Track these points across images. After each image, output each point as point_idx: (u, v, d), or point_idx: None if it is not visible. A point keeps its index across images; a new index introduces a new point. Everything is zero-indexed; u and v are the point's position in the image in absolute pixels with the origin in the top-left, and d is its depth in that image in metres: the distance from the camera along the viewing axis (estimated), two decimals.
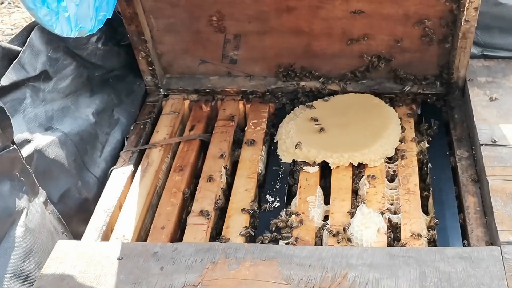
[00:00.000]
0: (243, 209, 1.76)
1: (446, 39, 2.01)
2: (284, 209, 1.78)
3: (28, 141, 1.75)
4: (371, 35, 2.05)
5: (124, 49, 2.22)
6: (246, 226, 1.72)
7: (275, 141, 2.02)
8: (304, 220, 1.72)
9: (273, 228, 1.71)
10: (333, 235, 1.66)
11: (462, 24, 1.91)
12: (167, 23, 2.09)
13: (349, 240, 1.64)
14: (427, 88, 2.12)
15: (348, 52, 2.10)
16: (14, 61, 1.76)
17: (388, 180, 1.85)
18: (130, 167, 1.93)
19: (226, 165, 1.94)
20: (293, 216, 1.74)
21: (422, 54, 2.08)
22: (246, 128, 2.07)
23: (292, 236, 1.68)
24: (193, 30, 2.11)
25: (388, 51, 2.08)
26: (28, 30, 1.86)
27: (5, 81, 1.71)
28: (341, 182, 1.83)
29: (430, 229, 1.69)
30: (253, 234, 1.71)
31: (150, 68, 2.16)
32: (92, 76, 2.10)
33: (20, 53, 1.78)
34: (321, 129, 1.97)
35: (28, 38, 1.83)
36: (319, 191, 1.83)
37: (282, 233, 1.70)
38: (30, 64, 1.82)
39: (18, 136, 1.71)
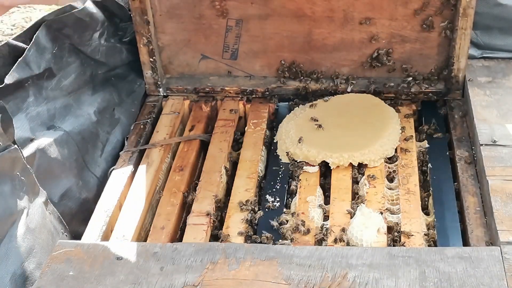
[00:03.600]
0: (241, 206, 1.77)
1: (446, 21, 2.02)
2: (285, 210, 1.79)
3: (30, 140, 1.76)
4: (372, 19, 2.05)
5: (126, 46, 2.22)
6: (245, 226, 1.72)
7: (275, 141, 2.02)
8: (306, 224, 1.71)
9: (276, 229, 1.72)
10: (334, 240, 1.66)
11: None
12: (170, 4, 2.10)
13: (348, 243, 1.65)
14: (427, 86, 2.12)
15: (349, 42, 2.10)
16: (20, 59, 1.76)
17: (388, 180, 1.85)
18: (130, 167, 1.93)
19: (226, 165, 1.95)
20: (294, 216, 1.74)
21: (422, 44, 2.08)
22: (246, 128, 2.08)
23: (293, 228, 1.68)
24: (196, 15, 2.11)
25: (388, 40, 2.09)
26: (35, 27, 1.85)
27: (9, 79, 1.71)
28: (341, 182, 1.83)
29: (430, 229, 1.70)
30: (253, 233, 1.71)
31: (151, 59, 2.16)
32: (95, 73, 2.10)
33: (26, 51, 1.78)
34: (320, 126, 1.97)
35: (34, 36, 1.82)
36: (319, 191, 1.83)
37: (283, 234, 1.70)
38: (35, 62, 1.82)
39: (20, 135, 1.72)
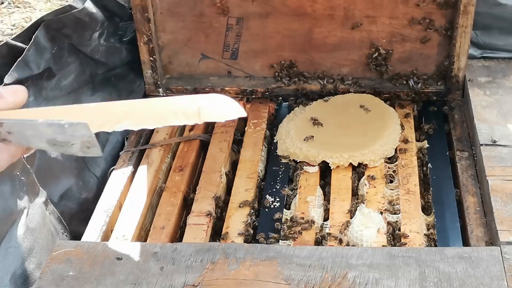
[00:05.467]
0: (241, 205, 1.77)
1: (447, 21, 2.02)
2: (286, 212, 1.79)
3: None
4: (372, 17, 2.05)
5: (125, 46, 2.22)
6: (245, 224, 1.72)
7: (275, 141, 2.02)
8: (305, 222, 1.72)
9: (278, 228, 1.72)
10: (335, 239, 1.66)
11: None
12: (171, 2, 2.10)
13: (348, 243, 1.65)
14: (428, 86, 2.12)
15: (349, 41, 2.10)
16: (19, 59, 1.75)
17: (388, 180, 1.85)
18: (130, 167, 1.93)
19: (226, 165, 1.95)
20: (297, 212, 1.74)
21: (422, 43, 2.07)
22: (246, 128, 2.08)
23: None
24: (197, 13, 2.11)
25: (389, 39, 2.08)
26: (34, 27, 1.85)
27: (9, 79, 1.71)
28: (341, 182, 1.83)
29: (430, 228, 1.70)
30: (253, 233, 1.71)
31: (151, 58, 2.16)
32: (95, 73, 2.10)
33: (25, 51, 1.78)
34: (318, 124, 1.97)
35: (34, 35, 1.82)
36: (319, 191, 1.83)
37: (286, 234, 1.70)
38: (34, 61, 1.81)
39: None
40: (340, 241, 1.64)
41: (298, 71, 2.17)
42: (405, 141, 1.94)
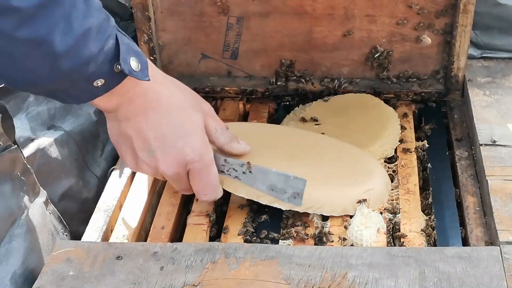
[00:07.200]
0: (241, 206, 1.77)
1: (446, 21, 2.02)
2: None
3: (31, 140, 1.75)
4: (372, 16, 2.05)
5: None
6: (245, 224, 1.72)
7: None
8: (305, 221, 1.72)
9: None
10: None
11: None
12: (171, 1, 2.09)
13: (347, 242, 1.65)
14: (427, 86, 2.12)
15: (349, 41, 2.10)
16: None
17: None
18: None
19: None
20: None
21: (422, 43, 2.08)
22: None
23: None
24: (197, 12, 2.11)
25: (389, 39, 2.08)
26: None
27: None
28: None
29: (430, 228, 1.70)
30: (253, 232, 1.71)
31: (151, 58, 2.15)
32: None
33: None
34: (316, 123, 1.97)
35: None
36: None
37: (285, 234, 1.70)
38: None
39: (21, 135, 1.71)
40: (342, 240, 1.64)
41: (298, 71, 2.17)
42: (405, 141, 1.94)
